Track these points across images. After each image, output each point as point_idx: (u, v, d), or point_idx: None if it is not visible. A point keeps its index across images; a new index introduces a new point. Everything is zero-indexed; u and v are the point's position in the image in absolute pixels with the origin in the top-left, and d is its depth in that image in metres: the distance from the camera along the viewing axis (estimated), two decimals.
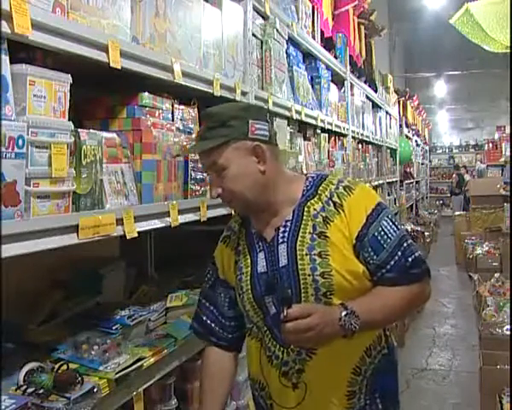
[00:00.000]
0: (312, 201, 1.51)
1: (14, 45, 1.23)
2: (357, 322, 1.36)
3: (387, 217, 1.49)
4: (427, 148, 18.25)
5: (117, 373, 1.55)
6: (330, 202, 1.49)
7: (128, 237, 1.55)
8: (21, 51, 1.30)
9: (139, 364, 1.65)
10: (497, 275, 5.89)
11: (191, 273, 2.50)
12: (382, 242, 1.45)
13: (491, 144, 14.04)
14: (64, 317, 1.87)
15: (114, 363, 1.59)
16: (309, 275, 1.45)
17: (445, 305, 7.10)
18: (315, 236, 1.47)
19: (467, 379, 4.55)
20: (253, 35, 2.59)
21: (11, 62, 1.22)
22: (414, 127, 13.06)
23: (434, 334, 5.89)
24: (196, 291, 2.24)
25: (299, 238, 1.48)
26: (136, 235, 1.59)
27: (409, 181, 11.11)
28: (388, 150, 7.46)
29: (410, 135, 11.75)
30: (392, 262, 1.45)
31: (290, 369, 1.49)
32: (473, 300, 6.30)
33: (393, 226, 1.48)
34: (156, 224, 1.74)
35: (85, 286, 2.01)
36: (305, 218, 1.50)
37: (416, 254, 1.48)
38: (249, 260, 1.55)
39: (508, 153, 8.49)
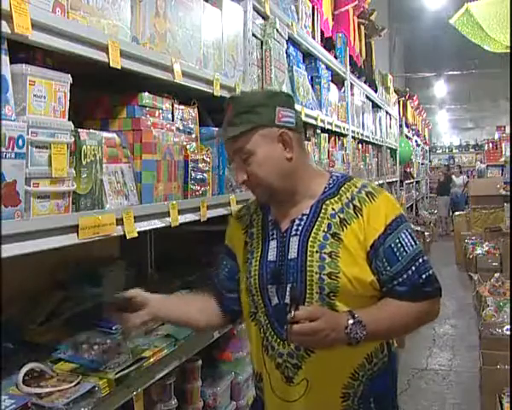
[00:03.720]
0: (332, 200, 1.50)
1: (14, 45, 1.23)
2: (363, 332, 1.36)
3: (406, 230, 1.47)
4: (427, 148, 18.24)
5: (117, 373, 1.55)
6: (350, 204, 1.48)
7: (128, 237, 1.55)
8: (21, 51, 1.30)
9: (139, 364, 1.64)
10: (497, 275, 5.90)
11: (191, 273, 2.50)
12: (398, 254, 1.44)
13: (491, 144, 14.04)
14: (64, 317, 1.87)
15: (114, 363, 1.59)
16: (316, 273, 1.45)
17: (445, 305, 7.09)
18: (328, 235, 1.46)
19: (467, 379, 4.56)
20: (253, 35, 2.59)
21: (11, 62, 1.22)
22: (414, 127, 13.05)
23: (434, 334, 5.89)
24: (196, 291, 2.25)
25: (312, 234, 1.48)
26: (136, 235, 1.59)
27: (409, 181, 11.11)
28: (388, 150, 7.46)
29: (410, 135, 11.74)
30: (405, 276, 1.43)
31: (284, 362, 1.49)
32: (473, 300, 6.30)
33: (411, 240, 1.46)
34: (156, 224, 1.74)
35: (85, 286, 2.01)
36: (321, 215, 1.49)
37: (431, 272, 1.47)
38: (261, 247, 1.56)
39: (508, 153, 8.50)
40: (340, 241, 1.45)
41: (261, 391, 1.61)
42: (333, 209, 1.49)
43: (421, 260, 1.45)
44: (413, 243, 1.46)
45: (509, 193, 7.25)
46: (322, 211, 1.50)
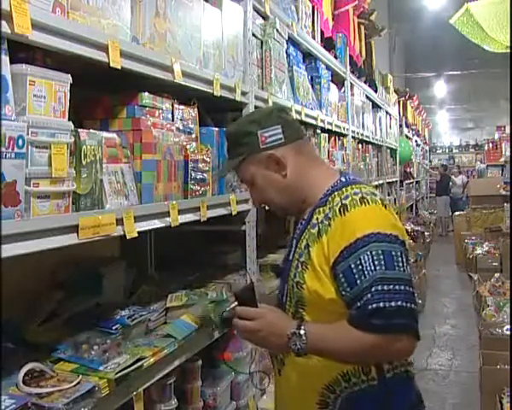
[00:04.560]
0: (321, 209, 1.46)
1: (14, 45, 1.23)
2: (303, 345, 1.34)
3: (371, 251, 1.31)
4: (427, 148, 18.24)
5: (117, 373, 1.55)
6: (327, 217, 1.42)
7: (128, 237, 1.55)
8: (21, 51, 1.30)
9: (139, 364, 1.64)
10: (497, 275, 5.89)
11: (191, 273, 2.50)
12: (357, 277, 1.31)
13: (491, 144, 14.05)
14: (64, 317, 1.87)
15: (114, 363, 1.59)
16: (291, 279, 1.49)
17: (445, 305, 7.10)
18: (305, 246, 1.47)
19: (467, 379, 4.55)
20: (253, 35, 2.59)
21: (11, 62, 1.22)
22: (414, 127, 13.06)
23: (434, 334, 5.89)
24: (196, 291, 2.25)
25: (300, 241, 1.50)
26: (136, 235, 1.59)
27: (409, 181, 11.11)
28: (388, 150, 7.46)
29: (410, 135, 11.74)
30: (358, 303, 1.31)
31: (278, 355, 1.54)
32: (473, 300, 6.30)
33: (372, 264, 1.30)
34: (156, 224, 1.74)
35: (85, 286, 2.01)
36: (310, 223, 1.47)
37: (384, 305, 1.28)
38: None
39: (508, 153, 8.50)
40: (309, 253, 1.43)
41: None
42: (317, 219, 1.45)
43: (378, 288, 1.29)
44: (372, 268, 1.30)
45: (509, 193, 7.26)
46: (312, 220, 1.47)
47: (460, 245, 9.44)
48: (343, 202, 1.40)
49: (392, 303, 1.28)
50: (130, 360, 1.62)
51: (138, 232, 1.60)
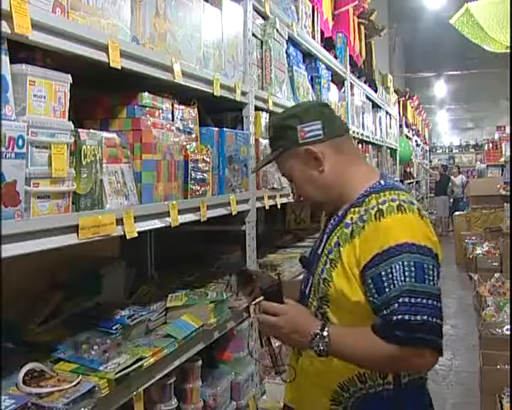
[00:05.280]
0: (356, 209, 1.44)
1: (14, 45, 1.23)
2: (325, 347, 1.35)
3: (403, 262, 1.30)
4: (427, 148, 18.23)
5: (117, 373, 1.54)
6: (362, 218, 1.41)
7: (128, 237, 1.55)
8: (21, 51, 1.30)
9: (139, 364, 1.64)
10: (497, 275, 5.89)
11: (191, 273, 2.50)
12: (386, 285, 1.31)
13: (491, 144, 14.05)
14: (64, 317, 1.87)
15: (114, 363, 1.59)
16: (318, 274, 1.49)
17: (445, 305, 7.00)
18: (335, 243, 1.46)
19: (467, 379, 4.56)
20: (253, 35, 2.59)
21: (11, 62, 1.22)
22: (414, 127, 13.05)
23: None
24: (196, 291, 2.25)
25: (331, 237, 1.50)
26: (136, 235, 1.59)
27: (409, 181, 11.11)
28: (388, 150, 7.45)
29: (410, 135, 11.74)
30: (384, 312, 1.31)
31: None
32: (473, 300, 6.30)
33: (402, 275, 1.30)
34: (156, 224, 1.74)
35: (85, 286, 2.01)
36: (343, 222, 1.46)
37: (409, 318, 1.27)
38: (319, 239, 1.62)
39: (508, 153, 8.49)
40: (339, 252, 1.43)
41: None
42: (351, 219, 1.43)
43: (405, 300, 1.28)
44: (403, 279, 1.30)
45: (509, 193, 7.25)
46: (346, 218, 1.45)
47: (460, 245, 9.44)
48: (380, 206, 1.38)
49: (418, 317, 1.28)
50: (130, 360, 1.62)
51: (138, 232, 1.60)
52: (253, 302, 1.44)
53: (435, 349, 1.31)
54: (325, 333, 1.35)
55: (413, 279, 1.30)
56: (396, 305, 1.29)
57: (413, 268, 1.31)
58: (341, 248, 1.42)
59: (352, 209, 1.45)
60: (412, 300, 1.28)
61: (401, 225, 1.36)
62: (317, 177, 1.51)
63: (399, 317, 1.28)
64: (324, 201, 1.55)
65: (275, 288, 1.47)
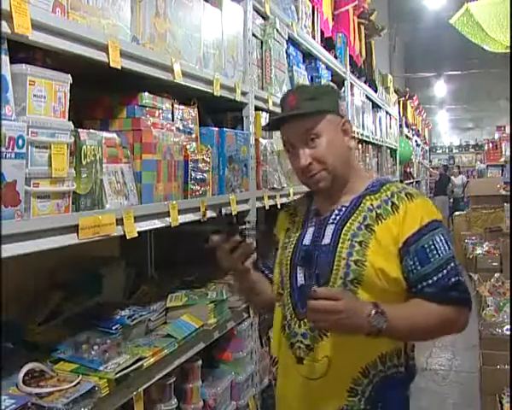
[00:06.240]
0: (372, 196, 1.55)
1: (14, 45, 1.23)
2: (385, 323, 1.36)
3: (442, 234, 1.49)
4: (427, 148, 18.22)
5: (117, 373, 1.54)
6: (389, 201, 1.52)
7: (128, 237, 1.55)
8: (21, 51, 1.30)
9: (139, 364, 1.64)
10: (497, 275, 5.88)
11: (191, 273, 2.50)
12: (430, 255, 1.46)
13: (491, 144, 14.03)
14: (64, 317, 1.87)
15: (114, 363, 1.59)
16: (343, 258, 1.49)
17: None
18: (362, 226, 1.51)
19: (467, 379, 4.55)
20: (253, 35, 2.59)
21: (11, 62, 1.22)
22: (414, 127, 13.04)
23: None
24: (196, 291, 2.25)
25: (348, 224, 1.53)
26: (136, 235, 1.59)
27: (409, 181, 11.10)
28: (388, 150, 7.45)
29: (410, 135, 11.73)
30: (435, 278, 1.45)
31: (297, 342, 1.52)
32: (473, 300, 6.29)
33: (445, 245, 1.48)
34: (156, 224, 1.74)
35: (85, 286, 2.01)
36: (360, 208, 1.54)
37: (461, 279, 1.47)
38: (299, 232, 1.62)
39: (508, 153, 8.48)
40: (372, 232, 1.49)
41: (274, 375, 1.65)
42: (371, 204, 1.54)
43: (452, 265, 1.46)
44: (447, 248, 1.47)
45: (509, 193, 7.25)
46: (361, 205, 1.55)
47: (460, 245, 9.43)
48: (406, 191, 1.55)
49: (461, 278, 1.47)
50: (130, 360, 1.62)
51: (138, 232, 1.60)
52: (314, 289, 1.33)
53: (470, 308, 1.51)
54: (382, 309, 1.36)
55: (451, 247, 1.49)
56: (445, 271, 1.45)
57: (447, 238, 1.50)
58: (374, 228, 1.49)
59: (368, 197, 1.55)
60: (456, 264, 1.48)
61: (428, 204, 1.55)
62: (344, 149, 1.57)
63: (455, 279, 1.45)
64: (340, 173, 1.55)
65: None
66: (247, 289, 1.72)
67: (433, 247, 1.46)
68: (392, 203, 1.51)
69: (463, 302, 1.48)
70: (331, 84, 2.11)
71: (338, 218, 1.55)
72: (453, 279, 1.45)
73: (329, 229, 1.55)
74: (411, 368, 1.56)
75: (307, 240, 1.58)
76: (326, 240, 1.54)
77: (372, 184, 1.58)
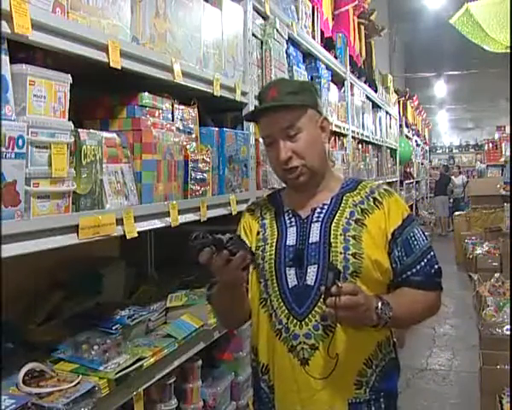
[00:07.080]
0: (352, 193, 1.60)
1: (14, 45, 1.23)
2: (390, 313, 1.42)
3: (418, 226, 1.60)
4: (427, 148, 18.23)
5: (117, 373, 1.55)
6: (370, 197, 1.58)
7: (128, 237, 1.55)
8: (21, 51, 1.30)
9: (139, 364, 1.64)
10: (497, 275, 5.88)
11: (191, 273, 2.50)
12: (413, 246, 1.55)
13: (491, 144, 14.05)
14: (64, 317, 1.87)
15: (114, 363, 1.59)
16: (341, 253, 1.50)
17: (445, 305, 7.08)
18: (351, 221, 1.54)
19: (467, 379, 4.56)
20: (253, 35, 2.59)
21: (11, 62, 1.22)
22: (414, 127, 13.05)
23: (434, 334, 5.89)
24: (196, 291, 2.25)
25: (335, 220, 1.55)
26: (136, 235, 1.59)
27: (409, 181, 11.11)
28: (388, 150, 7.45)
29: (410, 135, 11.74)
30: (418, 267, 1.54)
31: (299, 343, 1.50)
32: (473, 300, 6.30)
33: (423, 236, 1.59)
34: (156, 224, 1.74)
35: (85, 286, 2.01)
36: (343, 205, 1.58)
37: (440, 266, 1.59)
38: (276, 234, 1.60)
39: (508, 153, 8.49)
40: (363, 226, 1.53)
41: (267, 382, 1.58)
42: (354, 201, 1.58)
43: (432, 254, 1.58)
44: (424, 239, 1.58)
45: (509, 193, 7.25)
46: (343, 202, 1.58)
47: (460, 245, 9.44)
48: (383, 187, 1.63)
49: (439, 265, 1.59)
50: (130, 360, 1.62)
51: (138, 232, 1.60)
52: (339, 285, 1.31)
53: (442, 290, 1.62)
54: (386, 300, 1.43)
55: (426, 238, 1.60)
56: (426, 260, 1.55)
57: (422, 229, 1.62)
58: (365, 222, 1.53)
59: (348, 194, 1.60)
60: (433, 252, 1.59)
61: (401, 200, 1.65)
62: (322, 147, 1.59)
63: (436, 266, 1.57)
64: (318, 169, 1.57)
65: (337, 271, 1.38)
66: (235, 300, 1.61)
67: (413, 238, 1.56)
68: (374, 199, 1.57)
69: (441, 287, 1.60)
70: (309, 80, 2.13)
71: (322, 216, 1.56)
72: (436, 266, 1.57)
73: (315, 227, 1.55)
74: (397, 353, 1.64)
75: (291, 240, 1.56)
76: (314, 238, 1.53)
77: (347, 183, 1.63)
